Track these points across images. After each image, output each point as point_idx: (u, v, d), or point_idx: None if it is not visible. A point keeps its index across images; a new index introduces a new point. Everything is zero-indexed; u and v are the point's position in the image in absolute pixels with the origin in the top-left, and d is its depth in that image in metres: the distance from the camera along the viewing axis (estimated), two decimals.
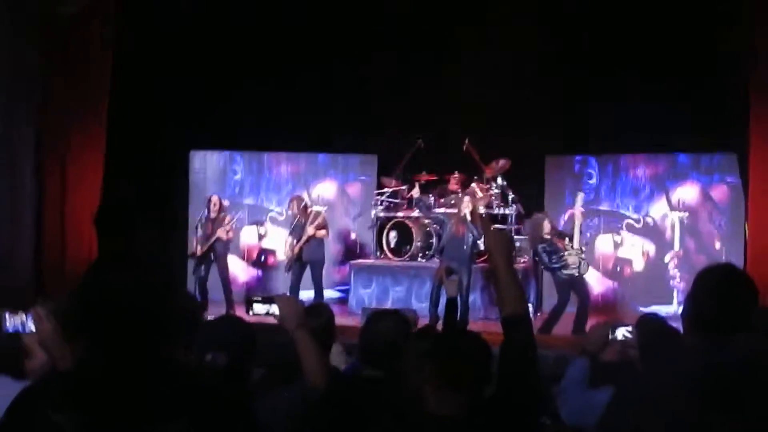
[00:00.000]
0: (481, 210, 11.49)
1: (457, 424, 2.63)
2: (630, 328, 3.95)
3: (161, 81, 11.64)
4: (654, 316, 4.17)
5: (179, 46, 11.73)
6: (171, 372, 2.13)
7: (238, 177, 13.53)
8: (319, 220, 11.31)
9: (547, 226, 10.21)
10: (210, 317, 3.85)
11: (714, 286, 2.58)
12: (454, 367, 2.69)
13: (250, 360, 3.32)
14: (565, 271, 10.16)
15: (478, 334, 2.93)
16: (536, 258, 10.56)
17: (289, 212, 11.70)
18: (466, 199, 10.91)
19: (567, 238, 10.19)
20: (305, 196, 12.47)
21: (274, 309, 3.27)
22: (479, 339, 2.86)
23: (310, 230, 11.19)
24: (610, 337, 4.01)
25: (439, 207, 12.16)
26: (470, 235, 10.58)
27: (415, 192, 12.24)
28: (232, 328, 3.36)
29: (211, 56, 12.11)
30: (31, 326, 3.02)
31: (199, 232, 11.42)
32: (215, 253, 11.37)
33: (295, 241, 11.38)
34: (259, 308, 3.31)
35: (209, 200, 11.54)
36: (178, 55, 11.78)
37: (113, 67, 10.56)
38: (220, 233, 11.24)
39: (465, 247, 10.62)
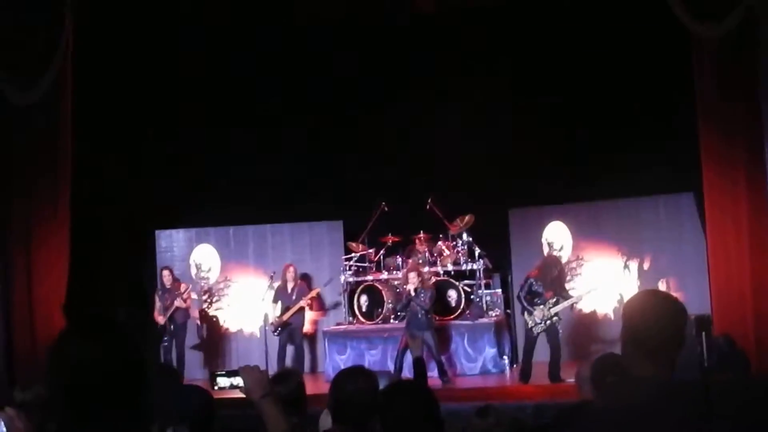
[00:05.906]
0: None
1: None
2: None
3: (118, 168, 11.86)
4: (609, 353, 4.23)
5: (135, 127, 12.04)
6: None
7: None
8: (311, 295, 12.05)
9: (554, 272, 10.38)
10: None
11: (643, 307, 2.70)
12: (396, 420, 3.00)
13: (209, 430, 3.36)
14: (526, 316, 10.28)
15: (417, 388, 3.09)
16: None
17: (276, 282, 12.10)
18: (411, 275, 11.04)
19: (556, 297, 10.27)
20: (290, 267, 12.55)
21: (238, 381, 3.27)
22: (419, 392, 3.02)
23: (302, 302, 11.87)
24: None
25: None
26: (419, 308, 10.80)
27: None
28: (192, 399, 3.40)
29: (160, 135, 12.46)
30: (3, 429, 3.03)
31: (158, 303, 12.01)
32: (175, 324, 11.92)
33: (282, 309, 11.88)
34: (223, 381, 3.30)
35: (161, 273, 12.21)
36: (131, 136, 12.14)
37: (74, 152, 10.65)
38: (178, 303, 11.83)
39: (420, 315, 10.80)
